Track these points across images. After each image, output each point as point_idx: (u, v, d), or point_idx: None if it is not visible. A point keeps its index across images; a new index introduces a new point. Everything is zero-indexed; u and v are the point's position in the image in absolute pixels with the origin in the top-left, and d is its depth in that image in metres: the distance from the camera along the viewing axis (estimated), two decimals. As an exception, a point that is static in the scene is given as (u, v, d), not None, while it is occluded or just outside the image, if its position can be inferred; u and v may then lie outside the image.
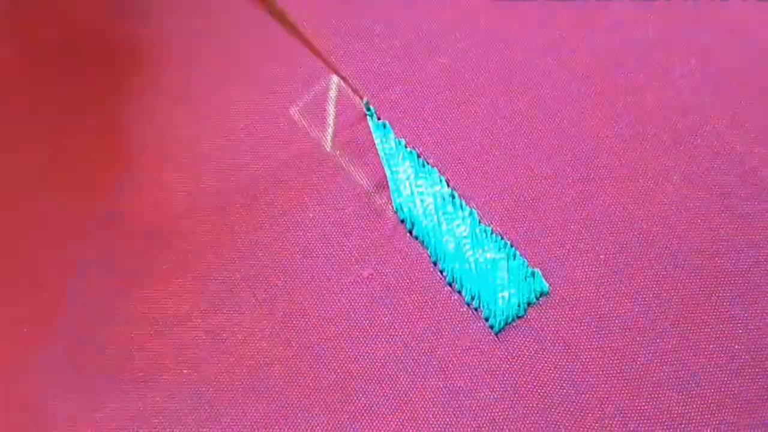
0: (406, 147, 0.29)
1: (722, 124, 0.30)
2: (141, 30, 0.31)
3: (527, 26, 0.31)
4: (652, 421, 0.26)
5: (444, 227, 0.28)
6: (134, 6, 0.32)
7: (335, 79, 0.30)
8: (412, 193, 0.28)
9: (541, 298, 0.27)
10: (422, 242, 0.27)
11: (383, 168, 0.28)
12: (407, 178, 0.28)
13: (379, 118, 0.30)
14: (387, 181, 0.28)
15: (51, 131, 0.30)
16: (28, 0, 0.33)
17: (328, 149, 0.29)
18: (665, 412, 0.26)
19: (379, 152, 0.29)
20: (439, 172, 0.29)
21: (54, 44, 0.31)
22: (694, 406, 0.26)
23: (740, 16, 0.31)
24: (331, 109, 0.30)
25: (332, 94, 0.30)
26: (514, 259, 0.27)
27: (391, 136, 0.29)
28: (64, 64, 0.31)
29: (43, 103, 0.31)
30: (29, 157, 0.30)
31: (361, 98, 0.29)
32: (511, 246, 0.27)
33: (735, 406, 0.26)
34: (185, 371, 0.27)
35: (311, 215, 0.28)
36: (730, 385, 0.26)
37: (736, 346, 0.27)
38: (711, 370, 0.26)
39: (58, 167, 0.30)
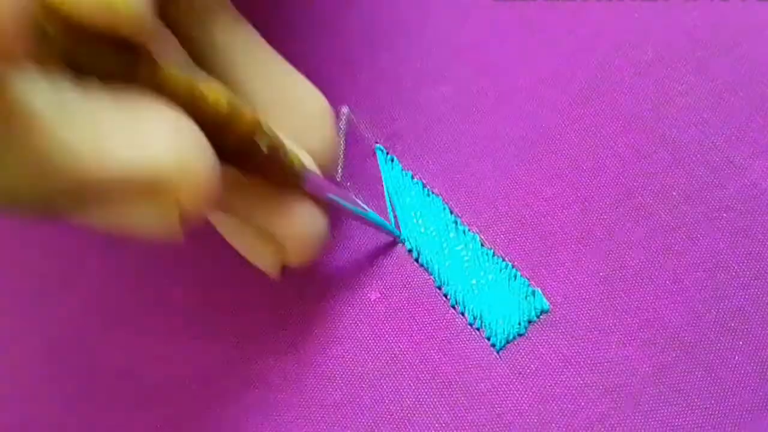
0: (412, 179, 0.31)
1: (721, 138, 0.30)
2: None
3: (527, 52, 0.32)
4: (653, 433, 0.27)
5: (447, 253, 0.29)
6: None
7: (345, 110, 0.32)
8: (417, 224, 0.30)
9: (541, 316, 0.28)
10: (427, 269, 0.29)
11: (390, 200, 0.30)
12: (413, 211, 0.30)
13: (387, 153, 0.31)
14: (394, 213, 0.30)
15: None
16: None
17: (338, 179, 0.31)
18: (666, 426, 0.27)
19: (386, 186, 0.30)
20: (443, 200, 0.30)
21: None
22: (695, 418, 0.27)
23: (739, 31, 0.32)
24: (341, 141, 0.32)
25: (342, 125, 0.32)
26: (515, 279, 0.29)
27: (399, 170, 0.31)
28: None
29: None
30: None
31: (377, 143, 0.31)
32: (513, 267, 0.29)
33: (735, 418, 0.26)
34: (194, 387, 0.29)
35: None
36: (731, 398, 0.27)
37: (737, 357, 0.27)
38: (711, 382, 0.27)
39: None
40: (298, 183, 0.23)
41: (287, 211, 0.23)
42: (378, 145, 0.31)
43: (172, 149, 0.17)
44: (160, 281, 0.31)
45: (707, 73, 0.31)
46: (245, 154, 0.20)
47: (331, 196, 0.25)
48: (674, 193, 0.30)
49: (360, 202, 0.28)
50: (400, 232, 0.30)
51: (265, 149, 0.21)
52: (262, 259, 0.24)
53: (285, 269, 0.25)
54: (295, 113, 0.25)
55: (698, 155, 0.30)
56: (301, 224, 0.23)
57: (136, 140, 0.16)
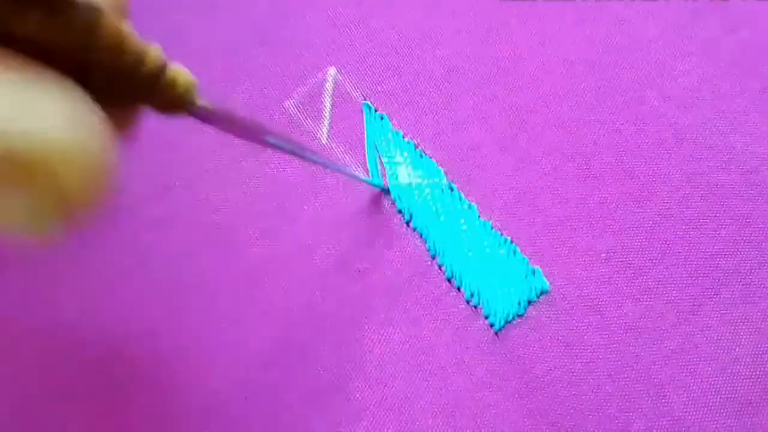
0: (403, 138, 0.28)
1: (724, 122, 0.29)
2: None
3: (528, 21, 0.31)
4: (654, 422, 0.25)
5: (442, 220, 0.27)
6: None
7: (332, 71, 0.30)
8: (409, 183, 0.27)
9: (541, 297, 0.26)
10: (420, 235, 0.27)
11: (379, 158, 0.28)
12: (405, 168, 0.28)
13: (376, 110, 0.29)
14: (383, 171, 0.27)
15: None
16: None
17: (323, 142, 0.29)
18: (667, 414, 0.25)
19: (374, 143, 0.28)
20: (438, 164, 0.28)
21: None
22: (696, 408, 0.25)
23: (742, 13, 0.31)
24: (326, 102, 0.29)
25: (328, 86, 0.29)
26: (515, 255, 0.26)
27: (389, 127, 0.28)
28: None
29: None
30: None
31: (365, 100, 0.28)
32: (511, 242, 0.27)
33: (737, 408, 0.25)
34: (179, 376, 0.26)
35: (306, 208, 0.27)
36: (732, 387, 0.26)
37: (738, 348, 0.26)
38: (713, 372, 0.26)
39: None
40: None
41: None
42: (366, 102, 0.29)
43: (63, 126, 0.14)
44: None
45: (711, 55, 0.30)
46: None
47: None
48: (676, 175, 0.28)
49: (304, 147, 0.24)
50: (383, 184, 0.27)
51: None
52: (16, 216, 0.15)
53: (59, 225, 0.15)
54: None
55: (700, 137, 0.29)
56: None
57: (27, 111, 0.13)
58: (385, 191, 0.27)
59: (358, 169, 0.28)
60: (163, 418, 0.26)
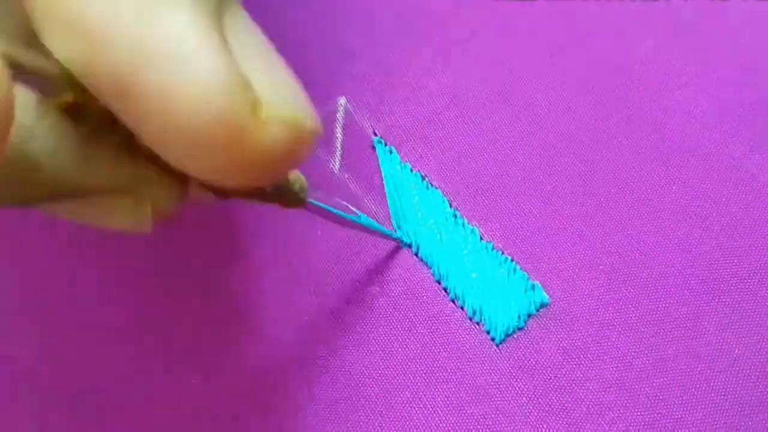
0: (411, 171, 0.30)
1: (721, 131, 0.30)
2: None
3: (526, 39, 0.32)
4: (653, 426, 0.26)
5: (446, 246, 0.29)
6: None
7: (342, 101, 0.32)
8: (416, 217, 0.29)
9: (541, 310, 0.28)
10: (426, 262, 0.29)
11: (389, 192, 0.30)
12: (412, 203, 0.30)
13: (386, 144, 0.31)
14: (392, 206, 0.30)
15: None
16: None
17: (336, 171, 0.31)
18: (666, 419, 0.26)
19: (385, 178, 0.30)
20: (443, 193, 0.30)
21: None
22: (695, 411, 0.27)
23: (739, 23, 0.32)
24: (338, 132, 0.31)
25: (339, 116, 0.32)
26: (515, 273, 0.28)
27: (398, 162, 0.30)
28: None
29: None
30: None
31: (376, 135, 0.31)
32: (512, 260, 0.29)
33: (735, 411, 0.26)
34: (193, 381, 0.29)
35: (320, 233, 0.30)
36: (731, 391, 0.27)
37: (736, 350, 0.27)
38: (711, 375, 0.27)
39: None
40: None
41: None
42: (376, 137, 0.31)
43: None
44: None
45: (707, 65, 0.31)
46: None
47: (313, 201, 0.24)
48: (674, 187, 0.30)
49: (350, 206, 0.28)
50: (397, 232, 0.29)
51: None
52: (124, 216, 0.19)
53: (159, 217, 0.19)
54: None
55: (698, 148, 0.30)
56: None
57: None
58: (405, 245, 0.29)
59: (369, 198, 0.30)
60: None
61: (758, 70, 0.31)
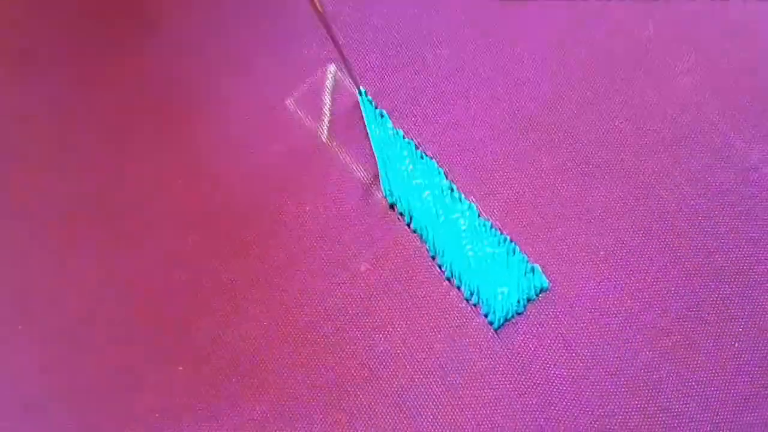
0: (404, 137, 0.28)
1: (723, 121, 0.29)
2: (133, 29, 0.31)
3: (528, 22, 0.31)
4: (652, 418, 0.25)
5: (442, 220, 0.27)
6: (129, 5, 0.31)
7: (331, 68, 0.30)
8: (410, 185, 0.27)
9: (541, 295, 0.26)
10: (420, 236, 0.27)
11: (379, 156, 0.28)
12: (405, 170, 0.28)
13: (377, 107, 0.29)
14: (383, 173, 0.28)
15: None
16: None
17: (324, 139, 0.29)
18: (665, 410, 0.25)
19: (374, 143, 0.28)
20: (438, 163, 0.28)
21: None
22: (694, 403, 0.26)
23: (740, 15, 0.31)
24: (327, 99, 0.29)
25: (328, 84, 0.30)
26: (514, 254, 0.27)
27: (389, 125, 0.28)
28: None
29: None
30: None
31: (358, 87, 0.28)
32: (511, 241, 0.27)
33: (735, 403, 0.26)
34: (180, 368, 0.26)
35: (308, 209, 0.28)
36: (730, 383, 0.26)
37: (737, 344, 0.26)
38: (711, 367, 0.26)
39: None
40: None
41: None
42: (360, 89, 0.29)
43: None
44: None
45: (710, 54, 0.30)
46: None
47: None
48: (676, 173, 0.29)
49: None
50: (390, 195, 0.27)
51: None
52: None
53: None
54: None
55: (699, 136, 0.29)
56: None
57: None
58: (390, 195, 0.27)
59: (361, 171, 0.28)
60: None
61: (758, 62, 0.30)
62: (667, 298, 0.27)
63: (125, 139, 0.29)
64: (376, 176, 0.28)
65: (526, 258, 0.27)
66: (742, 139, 0.29)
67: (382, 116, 0.29)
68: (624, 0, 0.31)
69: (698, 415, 0.25)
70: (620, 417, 0.25)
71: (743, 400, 0.26)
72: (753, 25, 0.31)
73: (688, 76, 0.30)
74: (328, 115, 0.29)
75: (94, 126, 0.29)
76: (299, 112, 0.29)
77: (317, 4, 0.24)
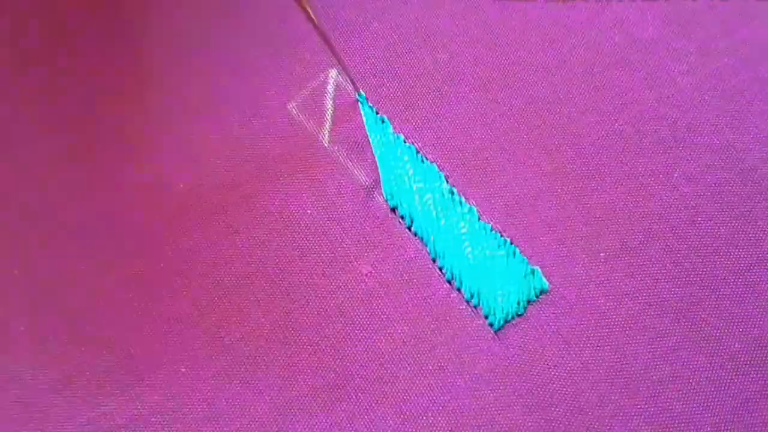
0: (404, 142, 0.29)
1: (722, 121, 0.29)
2: (132, 26, 0.31)
3: (527, 23, 0.31)
4: (652, 420, 0.25)
5: (443, 224, 0.27)
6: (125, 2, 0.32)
7: (333, 73, 0.30)
8: (410, 189, 0.28)
9: (541, 296, 0.27)
10: (421, 239, 0.27)
11: (380, 161, 0.28)
12: (406, 174, 0.28)
13: (377, 113, 0.29)
14: (385, 177, 0.28)
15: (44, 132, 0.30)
16: None
17: (326, 144, 0.29)
18: (665, 411, 0.26)
19: (374, 148, 0.28)
20: (438, 168, 0.28)
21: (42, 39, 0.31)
22: (694, 405, 0.26)
23: (740, 14, 0.31)
24: (328, 104, 0.30)
25: (330, 88, 0.30)
26: (514, 256, 0.27)
27: (390, 131, 0.29)
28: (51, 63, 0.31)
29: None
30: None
31: (358, 91, 0.29)
32: (511, 243, 0.27)
33: (735, 404, 0.26)
34: (183, 369, 0.26)
35: (309, 212, 0.28)
36: (731, 384, 0.26)
37: (736, 345, 0.26)
38: (711, 368, 0.26)
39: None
40: None
41: None
42: (359, 94, 0.29)
43: None
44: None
45: (710, 54, 0.30)
46: None
47: None
48: (675, 174, 0.29)
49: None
50: (391, 198, 0.27)
51: None
52: None
53: None
54: None
55: (699, 137, 0.29)
56: None
57: None
58: (391, 199, 0.28)
59: (363, 175, 0.28)
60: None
61: (757, 62, 0.30)
62: (667, 299, 0.27)
63: (124, 144, 0.29)
64: (378, 180, 0.28)
65: (526, 260, 0.27)
66: (742, 140, 0.29)
67: (382, 122, 0.29)
68: (624, 0, 0.31)
69: (698, 416, 0.26)
70: (620, 418, 0.25)
71: (744, 401, 0.26)
72: (753, 25, 0.31)
73: (688, 76, 0.30)
74: (330, 119, 0.29)
75: (93, 127, 0.30)
76: (301, 117, 0.29)
77: (311, 13, 0.24)
